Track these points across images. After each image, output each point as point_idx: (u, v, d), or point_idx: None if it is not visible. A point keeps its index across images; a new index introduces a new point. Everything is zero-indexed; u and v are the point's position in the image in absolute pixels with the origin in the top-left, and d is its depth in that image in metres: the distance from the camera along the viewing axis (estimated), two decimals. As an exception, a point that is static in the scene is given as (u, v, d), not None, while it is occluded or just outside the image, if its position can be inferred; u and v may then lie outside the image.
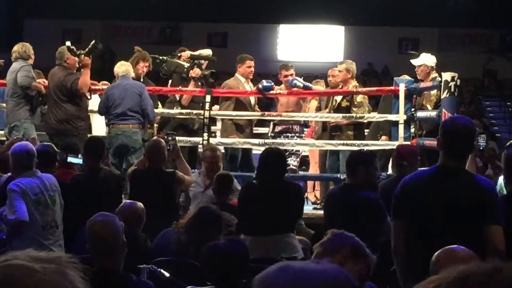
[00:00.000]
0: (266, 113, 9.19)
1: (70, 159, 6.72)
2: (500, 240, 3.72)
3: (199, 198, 6.71)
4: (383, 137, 8.77)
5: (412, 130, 8.44)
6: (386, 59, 19.99)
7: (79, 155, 6.71)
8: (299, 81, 8.75)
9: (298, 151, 8.85)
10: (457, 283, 1.06)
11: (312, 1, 20.09)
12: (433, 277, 1.11)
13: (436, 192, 3.83)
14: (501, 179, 5.76)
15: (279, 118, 8.82)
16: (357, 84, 9.03)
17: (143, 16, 20.77)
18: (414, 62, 8.77)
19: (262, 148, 6.72)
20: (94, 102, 8.45)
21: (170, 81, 9.01)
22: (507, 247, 3.72)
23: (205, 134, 8.31)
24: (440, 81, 7.93)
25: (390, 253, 3.90)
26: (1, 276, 1.09)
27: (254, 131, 9.21)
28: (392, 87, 8.66)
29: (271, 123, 9.04)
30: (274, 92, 8.73)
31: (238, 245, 3.82)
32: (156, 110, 8.39)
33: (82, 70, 8.09)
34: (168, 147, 6.75)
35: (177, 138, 7.22)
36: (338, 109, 8.67)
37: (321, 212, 6.75)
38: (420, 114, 8.37)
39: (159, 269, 4.52)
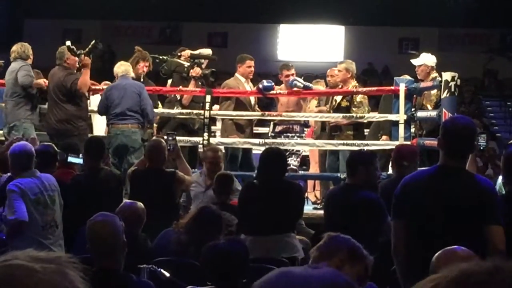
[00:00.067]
0: (266, 113, 9.19)
1: (71, 159, 6.71)
2: (500, 240, 3.72)
3: (200, 198, 6.70)
4: (384, 137, 8.77)
5: (412, 130, 8.44)
6: (386, 59, 19.95)
7: (80, 155, 6.71)
8: (299, 81, 8.75)
9: (299, 151, 8.85)
10: (457, 282, 1.06)
11: (312, 1, 20.06)
12: (433, 276, 1.11)
13: (436, 192, 3.82)
14: (500, 179, 5.76)
15: (279, 118, 8.82)
16: (357, 84, 9.03)
17: (143, 16, 20.74)
18: (414, 62, 8.77)
19: (262, 148, 6.73)
20: (95, 102, 8.46)
21: (170, 80, 9.02)
22: (507, 247, 3.72)
23: (205, 134, 8.31)
24: (440, 81, 7.93)
25: (390, 253, 3.89)
26: (1, 276, 1.08)
27: (254, 131, 9.22)
28: (392, 87, 8.65)
29: (271, 123, 9.04)
30: (274, 92, 8.73)
31: (238, 245, 3.82)
32: (156, 110, 8.40)
33: (82, 70, 8.10)
34: (168, 147, 6.75)
35: (177, 138, 7.22)
36: (338, 109, 8.67)
37: (321, 212, 6.76)
38: (420, 114, 8.36)
39: (159, 269, 4.52)
